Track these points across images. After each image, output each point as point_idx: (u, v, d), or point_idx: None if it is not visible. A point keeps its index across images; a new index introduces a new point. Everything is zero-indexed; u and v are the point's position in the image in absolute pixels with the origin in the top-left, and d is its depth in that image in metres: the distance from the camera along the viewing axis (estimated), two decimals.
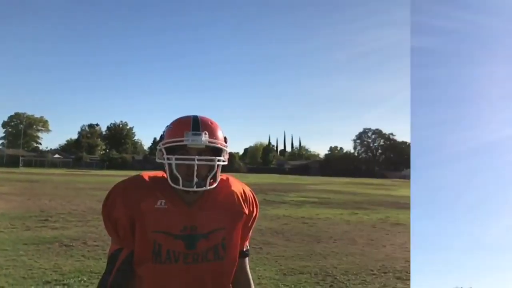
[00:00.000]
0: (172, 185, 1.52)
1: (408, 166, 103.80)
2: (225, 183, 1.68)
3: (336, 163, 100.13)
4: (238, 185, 1.73)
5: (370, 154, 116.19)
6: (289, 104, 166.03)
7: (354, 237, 9.18)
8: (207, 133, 1.55)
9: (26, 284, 4.96)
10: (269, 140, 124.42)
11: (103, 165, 79.42)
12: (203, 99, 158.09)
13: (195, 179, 1.50)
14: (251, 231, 1.78)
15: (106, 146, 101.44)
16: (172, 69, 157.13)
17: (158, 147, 1.60)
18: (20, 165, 66.96)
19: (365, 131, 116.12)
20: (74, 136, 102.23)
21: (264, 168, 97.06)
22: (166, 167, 1.54)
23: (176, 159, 1.51)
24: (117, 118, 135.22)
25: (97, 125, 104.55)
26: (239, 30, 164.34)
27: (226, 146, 1.62)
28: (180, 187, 1.50)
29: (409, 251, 7.86)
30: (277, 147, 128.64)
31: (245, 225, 1.69)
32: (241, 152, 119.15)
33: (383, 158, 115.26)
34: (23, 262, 5.91)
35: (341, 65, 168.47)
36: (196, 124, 1.56)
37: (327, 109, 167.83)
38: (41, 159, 78.13)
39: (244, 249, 1.75)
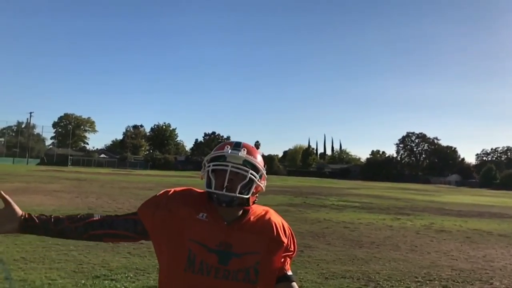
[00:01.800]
0: (206, 189, 1.61)
1: (453, 171, 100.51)
2: (264, 212, 1.75)
3: (377, 168, 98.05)
4: (277, 217, 1.77)
5: (413, 158, 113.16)
6: (330, 107, 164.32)
7: (397, 243, 8.98)
8: (245, 149, 1.67)
9: (77, 278, 5.18)
10: (309, 143, 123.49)
11: (146, 165, 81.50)
12: (244, 101, 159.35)
13: (226, 183, 1.58)
14: (289, 261, 1.76)
15: (149, 146, 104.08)
16: (213, 72, 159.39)
17: (202, 163, 1.70)
18: (69, 164, 69.80)
19: (408, 135, 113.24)
20: (119, 136, 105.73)
21: (303, 171, 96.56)
22: (205, 176, 1.64)
23: (213, 165, 1.62)
24: (160, 120, 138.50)
25: (141, 126, 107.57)
26: (273, 30, 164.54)
27: (264, 168, 1.71)
28: (212, 189, 1.59)
29: (456, 259, 7.63)
30: (317, 150, 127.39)
31: (282, 256, 1.70)
32: (280, 154, 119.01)
33: (427, 163, 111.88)
34: (73, 257, 6.17)
35: (384, 66, 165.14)
36: (238, 144, 1.70)
37: (369, 112, 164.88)
38: (88, 159, 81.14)
39: (288, 274, 1.72)
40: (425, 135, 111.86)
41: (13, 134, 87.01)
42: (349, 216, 13.71)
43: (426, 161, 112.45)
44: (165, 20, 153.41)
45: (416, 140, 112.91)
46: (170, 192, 1.71)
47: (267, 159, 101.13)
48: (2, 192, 1.53)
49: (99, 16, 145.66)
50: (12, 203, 1.55)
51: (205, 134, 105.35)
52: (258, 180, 1.66)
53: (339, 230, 10.42)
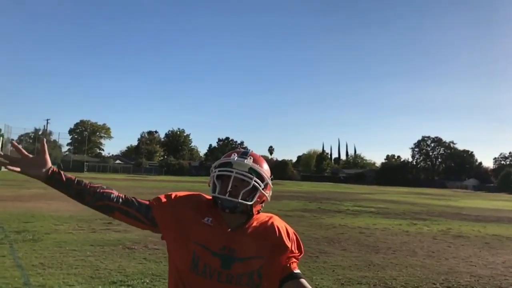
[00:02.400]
0: (211, 194, 1.67)
1: (470, 176, 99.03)
2: (268, 218, 1.78)
3: (393, 172, 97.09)
4: (281, 222, 1.80)
5: (429, 163, 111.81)
6: (344, 111, 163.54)
7: (414, 249, 8.87)
8: (252, 158, 1.72)
9: (93, 283, 5.22)
10: (323, 147, 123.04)
11: (161, 170, 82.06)
12: (257, 106, 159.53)
13: (229, 189, 1.63)
14: (294, 261, 1.76)
15: (164, 152, 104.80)
16: (227, 77, 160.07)
17: (210, 169, 1.76)
18: (85, 170, 70.60)
19: (424, 139, 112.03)
20: (134, 142, 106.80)
21: (318, 176, 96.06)
22: (211, 181, 1.70)
23: (219, 171, 1.68)
24: (174, 125, 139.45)
25: (156, 132, 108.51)
26: (288, 33, 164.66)
27: (270, 178, 1.75)
28: (216, 194, 1.65)
29: (474, 265, 7.50)
30: (331, 155, 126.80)
31: (286, 258, 1.71)
32: (294, 159, 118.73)
33: (443, 167, 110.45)
34: (90, 263, 6.23)
35: (399, 69, 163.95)
36: (245, 152, 1.75)
37: (383, 116, 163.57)
38: (104, 165, 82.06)
39: (295, 272, 1.71)
40: (440, 139, 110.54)
41: (31, 141, 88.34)
42: (365, 222, 13.59)
43: (442, 165, 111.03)
44: (179, 25, 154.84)
45: (432, 144, 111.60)
46: (180, 195, 1.77)
47: (281, 164, 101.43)
48: (44, 141, 1.68)
49: (115, 22, 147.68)
50: (47, 154, 1.66)
51: (219, 140, 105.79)
52: (262, 189, 1.69)
53: (354, 236, 10.33)
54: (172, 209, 1.72)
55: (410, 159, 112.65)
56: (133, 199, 1.76)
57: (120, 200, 1.73)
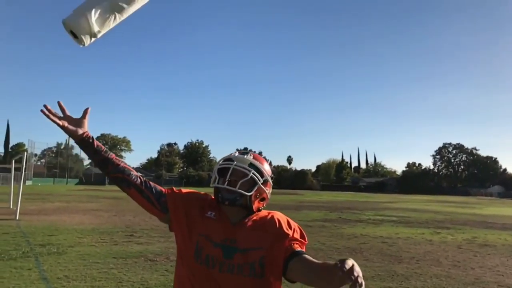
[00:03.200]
0: (211, 185, 1.78)
1: (495, 183, 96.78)
2: (268, 213, 1.84)
3: (414, 180, 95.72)
4: (283, 215, 1.85)
5: (451, 170, 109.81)
6: (363, 119, 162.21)
7: (438, 258, 8.70)
8: (252, 155, 1.83)
9: None
10: (342, 156, 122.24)
11: (181, 182, 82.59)
12: (275, 116, 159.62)
13: (228, 178, 1.73)
14: (297, 244, 1.74)
15: (183, 164, 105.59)
16: (245, 88, 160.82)
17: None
18: (106, 183, 71.48)
19: (445, 146, 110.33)
20: (154, 155, 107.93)
21: (337, 185, 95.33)
22: (213, 175, 1.82)
23: (220, 165, 1.81)
24: (193, 137, 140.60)
25: (175, 144, 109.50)
26: (304, 44, 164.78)
27: (270, 176, 1.84)
28: (215, 184, 1.77)
29: (502, 274, 7.31)
30: (350, 163, 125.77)
31: (287, 244, 1.71)
32: (313, 169, 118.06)
33: (466, 175, 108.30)
34: (113, 275, 6.29)
35: (418, 76, 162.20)
36: (246, 151, 1.87)
37: (403, 123, 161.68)
38: None
39: (297, 250, 1.70)
40: (462, 146, 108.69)
41: (53, 155, 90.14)
42: (387, 231, 13.40)
43: (465, 172, 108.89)
44: (197, 38, 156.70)
45: (454, 151, 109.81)
46: (190, 190, 1.91)
47: (300, 174, 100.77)
48: (89, 109, 1.82)
49: (132, 39, 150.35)
50: (87, 119, 1.79)
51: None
52: (261, 184, 1.77)
53: (376, 245, 10.19)
54: (182, 199, 1.83)
55: (432, 167, 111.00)
56: (150, 182, 1.86)
57: (138, 180, 1.82)
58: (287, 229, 1.75)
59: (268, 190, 1.83)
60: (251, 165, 1.77)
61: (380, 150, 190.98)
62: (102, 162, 1.78)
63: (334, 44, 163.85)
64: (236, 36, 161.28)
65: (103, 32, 1.69)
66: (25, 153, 19.01)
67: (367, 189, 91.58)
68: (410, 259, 8.46)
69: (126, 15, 1.75)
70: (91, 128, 1.79)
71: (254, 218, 1.79)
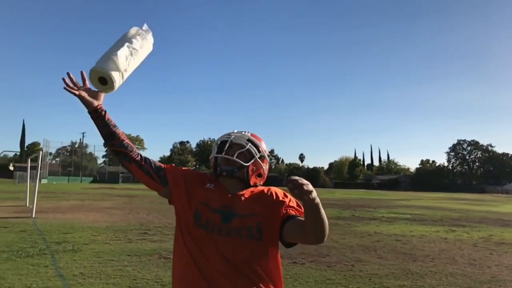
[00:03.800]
0: (210, 157, 1.93)
1: (511, 180, 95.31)
2: (266, 187, 1.96)
3: (428, 177, 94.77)
4: (280, 190, 1.94)
5: (466, 167, 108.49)
6: (375, 116, 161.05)
7: (454, 256, 8.60)
8: (250, 133, 1.97)
9: None
10: (355, 154, 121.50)
11: None
12: (287, 113, 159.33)
13: (226, 148, 1.87)
14: (293, 211, 1.85)
15: (196, 162, 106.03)
16: (256, 87, 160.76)
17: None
18: (120, 181, 72.13)
19: (459, 143, 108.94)
20: (167, 153, 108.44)
21: (350, 183, 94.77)
22: (213, 149, 1.96)
23: (219, 139, 1.95)
24: (205, 135, 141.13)
25: (187, 142, 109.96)
26: (317, 43, 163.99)
27: (267, 154, 1.97)
28: (215, 154, 1.91)
29: None
30: (363, 161, 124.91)
31: (283, 210, 1.82)
32: (326, 167, 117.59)
33: (481, 172, 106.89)
34: (128, 272, 6.34)
35: (431, 72, 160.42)
36: (243, 130, 2.00)
37: (416, 120, 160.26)
38: None
39: (292, 214, 1.81)
40: (477, 142, 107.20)
41: (68, 154, 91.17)
42: (401, 229, 13.29)
43: (480, 169, 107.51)
44: (211, 38, 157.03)
45: (468, 148, 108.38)
46: (190, 169, 2.06)
47: (313, 171, 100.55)
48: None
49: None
50: (103, 95, 1.90)
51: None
52: (258, 158, 1.89)
53: (390, 243, 10.12)
54: (182, 173, 1.95)
55: (446, 164, 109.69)
56: (150, 159, 1.96)
57: (139, 156, 1.93)
58: (283, 198, 1.86)
59: (265, 166, 1.95)
60: (249, 140, 1.89)
61: (393, 147, 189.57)
62: (109, 134, 1.87)
63: (346, 42, 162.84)
64: (250, 37, 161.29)
65: (129, 71, 1.87)
66: (41, 152, 19.27)
67: (380, 186, 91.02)
68: (424, 257, 8.38)
69: (140, 60, 1.96)
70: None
71: (252, 190, 1.90)
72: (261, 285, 1.75)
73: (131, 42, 1.88)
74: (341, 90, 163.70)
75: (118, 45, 1.85)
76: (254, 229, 1.75)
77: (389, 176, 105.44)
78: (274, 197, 1.86)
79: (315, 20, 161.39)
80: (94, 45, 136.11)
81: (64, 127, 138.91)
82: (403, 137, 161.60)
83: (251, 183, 1.89)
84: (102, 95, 1.88)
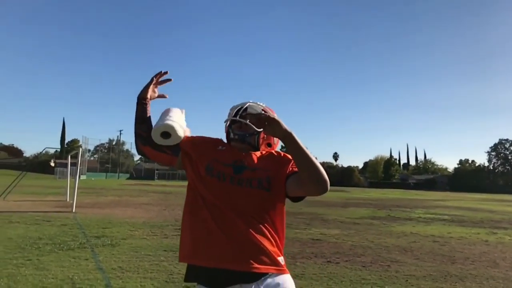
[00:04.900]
0: (224, 121, 2.06)
1: None
2: (274, 151, 2.09)
3: (467, 178, 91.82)
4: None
5: (508, 167, 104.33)
6: (412, 114, 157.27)
7: (495, 259, 8.30)
8: (265, 105, 2.06)
9: None
10: (391, 153, 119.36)
11: None
12: (320, 111, 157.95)
13: (240, 112, 1.99)
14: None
15: None
16: (290, 84, 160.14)
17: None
18: (155, 178, 73.58)
19: (501, 142, 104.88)
20: None
21: (386, 182, 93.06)
22: (228, 117, 2.06)
23: (235, 107, 2.05)
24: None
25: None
26: (359, 39, 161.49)
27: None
28: (230, 118, 2.01)
29: None
30: (399, 160, 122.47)
31: (290, 167, 1.93)
32: (360, 166, 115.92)
33: None
34: (164, 267, 6.47)
35: (470, 69, 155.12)
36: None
37: (454, 118, 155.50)
38: (173, 172, 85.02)
39: (295, 169, 1.88)
40: None
41: (105, 151, 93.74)
42: (438, 230, 12.94)
43: None
44: (229, 38, 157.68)
45: (511, 148, 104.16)
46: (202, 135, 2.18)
47: (347, 170, 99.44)
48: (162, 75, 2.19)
49: (181, 41, 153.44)
50: (157, 93, 2.20)
51: (282, 147, 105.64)
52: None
53: (427, 245, 9.87)
54: (191, 138, 2.08)
55: (487, 164, 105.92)
56: None
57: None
58: (290, 158, 1.95)
59: (276, 139, 2.05)
60: (263, 110, 1.97)
61: (430, 147, 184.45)
62: (141, 119, 2.10)
63: (384, 40, 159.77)
64: (283, 34, 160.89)
65: (183, 127, 2.08)
66: (80, 149, 19.90)
67: (416, 186, 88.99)
68: (464, 260, 8.14)
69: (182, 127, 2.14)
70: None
71: (262, 151, 2.05)
72: (266, 232, 1.84)
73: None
74: (377, 88, 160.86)
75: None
76: (264, 180, 1.86)
77: (425, 176, 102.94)
78: (282, 156, 2.00)
79: (350, 19, 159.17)
80: (130, 44, 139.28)
81: (102, 125, 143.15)
82: (441, 136, 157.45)
83: (261, 150, 2.04)
84: (155, 93, 2.18)
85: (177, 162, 2.04)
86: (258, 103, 2.03)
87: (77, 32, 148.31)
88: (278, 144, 2.12)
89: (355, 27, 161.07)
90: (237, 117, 1.97)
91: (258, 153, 2.01)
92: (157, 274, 6.03)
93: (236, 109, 2.04)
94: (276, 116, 1.72)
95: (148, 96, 2.12)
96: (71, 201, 15.03)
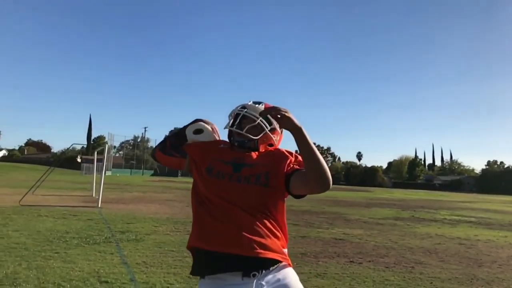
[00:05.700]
0: (224, 128, 2.07)
1: None
2: (273, 148, 2.12)
3: (495, 179, 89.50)
4: (287, 150, 2.09)
5: None
6: (438, 113, 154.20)
7: None
8: (264, 105, 2.03)
9: (191, 283, 5.47)
10: (416, 153, 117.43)
11: None
12: (344, 110, 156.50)
13: (237, 121, 2.01)
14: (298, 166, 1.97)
15: None
16: (313, 83, 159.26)
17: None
18: (179, 174, 74.25)
19: None
20: None
21: (410, 183, 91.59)
22: (228, 121, 2.08)
23: (234, 111, 2.06)
24: None
25: None
26: (383, 39, 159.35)
27: (280, 129, 2.10)
28: (227, 127, 2.04)
29: None
30: (424, 160, 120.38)
31: (289, 164, 1.96)
32: (384, 165, 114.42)
33: None
34: (187, 263, 6.52)
35: (497, 68, 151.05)
36: (259, 101, 2.07)
37: (482, 118, 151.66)
38: None
39: (297, 168, 1.93)
40: None
41: (130, 147, 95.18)
42: (464, 232, 12.67)
43: None
44: (240, 35, 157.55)
45: None
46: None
47: (370, 170, 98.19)
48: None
49: (198, 40, 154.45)
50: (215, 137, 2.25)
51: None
52: (268, 130, 2.02)
53: (453, 247, 9.68)
54: (197, 143, 2.15)
55: None
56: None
57: (178, 148, 2.20)
58: (289, 155, 2.01)
59: (276, 137, 2.10)
60: (262, 114, 1.92)
61: (456, 147, 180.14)
62: (176, 137, 2.23)
63: (412, 39, 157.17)
64: (302, 31, 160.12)
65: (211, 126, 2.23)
66: (106, 145, 20.26)
67: (442, 187, 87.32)
68: (491, 263, 7.95)
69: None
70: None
71: (262, 151, 2.07)
72: (269, 225, 1.88)
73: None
74: (402, 87, 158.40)
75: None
76: (262, 176, 1.90)
77: (451, 177, 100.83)
78: (281, 153, 2.03)
79: (376, 19, 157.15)
80: (154, 44, 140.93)
81: (127, 121, 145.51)
82: (468, 136, 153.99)
83: (260, 151, 2.08)
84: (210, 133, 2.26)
85: (185, 165, 2.13)
86: (257, 104, 2.03)
87: (103, 29, 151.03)
88: (279, 144, 2.16)
89: (384, 27, 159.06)
90: (234, 127, 2.02)
91: (258, 152, 2.06)
92: (180, 269, 6.10)
93: (234, 115, 2.07)
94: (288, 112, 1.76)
95: (189, 141, 2.21)
96: (97, 197, 15.34)
